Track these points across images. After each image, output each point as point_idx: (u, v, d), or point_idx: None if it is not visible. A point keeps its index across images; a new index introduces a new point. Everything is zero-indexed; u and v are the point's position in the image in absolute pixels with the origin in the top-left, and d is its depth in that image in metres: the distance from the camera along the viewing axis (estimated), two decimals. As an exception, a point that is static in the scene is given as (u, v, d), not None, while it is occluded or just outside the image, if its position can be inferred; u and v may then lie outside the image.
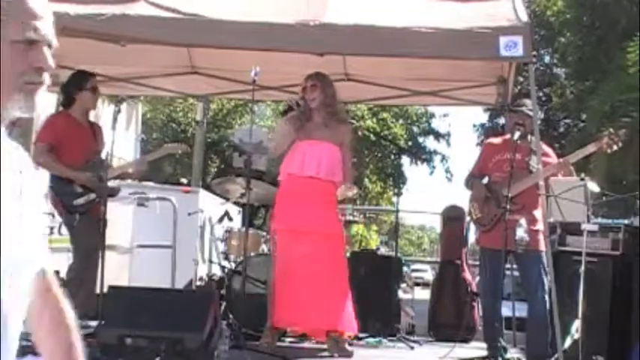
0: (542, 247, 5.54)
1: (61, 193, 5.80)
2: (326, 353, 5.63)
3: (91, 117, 6.23)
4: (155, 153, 6.74)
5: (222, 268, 6.98)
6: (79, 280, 5.76)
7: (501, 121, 16.51)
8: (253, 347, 5.32)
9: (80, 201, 5.77)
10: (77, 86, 5.97)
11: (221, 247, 7.01)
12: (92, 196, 5.75)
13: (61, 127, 5.93)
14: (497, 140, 6.05)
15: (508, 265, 5.78)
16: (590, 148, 5.73)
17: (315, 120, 5.73)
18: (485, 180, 5.92)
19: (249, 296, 6.07)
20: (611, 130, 5.59)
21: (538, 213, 5.60)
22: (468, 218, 8.10)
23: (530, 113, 5.65)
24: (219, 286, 6.77)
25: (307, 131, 5.69)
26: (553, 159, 5.78)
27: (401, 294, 8.01)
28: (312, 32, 5.26)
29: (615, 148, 5.54)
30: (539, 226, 5.58)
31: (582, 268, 5.31)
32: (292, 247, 5.65)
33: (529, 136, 5.68)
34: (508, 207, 5.36)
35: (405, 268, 11.68)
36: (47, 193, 6.01)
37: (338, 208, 5.98)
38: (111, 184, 5.96)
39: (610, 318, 5.98)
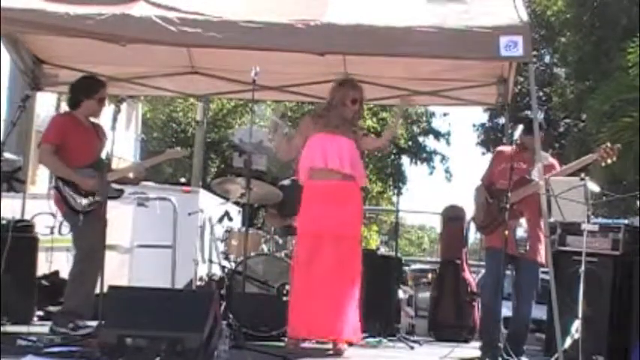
0: (542, 259, 5.65)
1: (66, 193, 5.81)
2: (325, 353, 5.65)
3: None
4: (156, 158, 6.73)
5: (222, 268, 6.98)
6: (81, 281, 5.77)
7: (501, 121, 16.51)
8: (253, 347, 5.33)
9: (84, 201, 5.78)
10: (84, 93, 5.99)
11: (221, 247, 7.01)
12: (96, 197, 5.75)
13: (66, 127, 5.94)
14: (507, 149, 6.00)
15: (509, 265, 5.79)
16: (586, 160, 5.73)
17: (335, 115, 5.81)
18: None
19: (249, 296, 6.08)
20: (608, 143, 5.58)
21: (540, 224, 5.63)
22: (468, 218, 8.12)
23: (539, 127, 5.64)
24: (219, 286, 6.77)
25: (326, 124, 5.75)
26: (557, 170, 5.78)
27: (401, 294, 8.02)
28: (312, 32, 5.26)
29: (609, 161, 5.53)
30: (541, 237, 5.63)
31: (582, 268, 5.31)
32: (316, 253, 5.66)
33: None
34: (508, 206, 5.36)
35: (405, 268, 11.69)
36: (51, 193, 6.02)
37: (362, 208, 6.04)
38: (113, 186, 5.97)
39: (610, 318, 5.98)
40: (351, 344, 5.98)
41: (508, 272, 5.84)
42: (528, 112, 5.95)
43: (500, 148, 6.28)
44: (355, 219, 5.85)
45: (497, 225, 5.61)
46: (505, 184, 5.63)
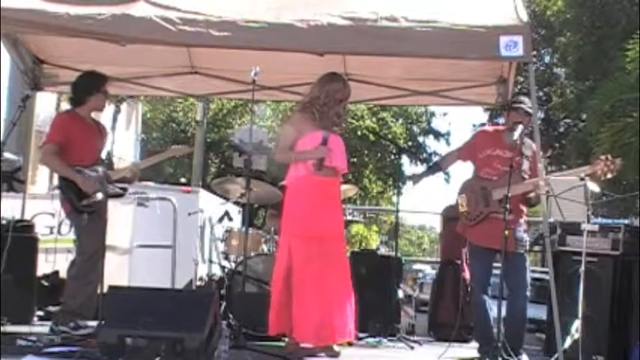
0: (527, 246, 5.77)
1: (69, 193, 5.81)
2: (324, 353, 5.64)
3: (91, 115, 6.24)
4: (159, 155, 6.72)
5: (222, 268, 6.98)
6: (84, 281, 5.77)
7: (501, 120, 16.50)
8: (253, 347, 5.33)
9: (87, 201, 5.78)
10: (88, 90, 5.99)
11: (221, 247, 7.01)
12: (99, 195, 5.75)
13: (69, 126, 5.95)
14: (490, 130, 5.97)
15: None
16: (586, 170, 5.49)
17: (328, 111, 5.79)
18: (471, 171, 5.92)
19: (249, 296, 6.08)
20: (609, 156, 5.49)
21: (522, 210, 5.70)
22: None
23: (530, 111, 5.63)
24: (219, 286, 6.77)
25: (322, 120, 5.73)
26: (537, 154, 5.72)
27: (401, 294, 8.01)
28: (312, 32, 5.26)
29: (609, 175, 5.42)
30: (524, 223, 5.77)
31: (582, 268, 5.31)
32: (306, 255, 5.59)
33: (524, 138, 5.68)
34: (508, 206, 5.34)
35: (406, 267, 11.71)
36: (55, 193, 6.02)
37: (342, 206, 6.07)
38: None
39: (610, 318, 5.98)
40: (350, 344, 5.97)
41: (497, 271, 5.83)
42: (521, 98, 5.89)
43: (485, 128, 6.26)
44: (342, 216, 5.95)
45: (482, 219, 5.64)
46: (489, 174, 5.64)
